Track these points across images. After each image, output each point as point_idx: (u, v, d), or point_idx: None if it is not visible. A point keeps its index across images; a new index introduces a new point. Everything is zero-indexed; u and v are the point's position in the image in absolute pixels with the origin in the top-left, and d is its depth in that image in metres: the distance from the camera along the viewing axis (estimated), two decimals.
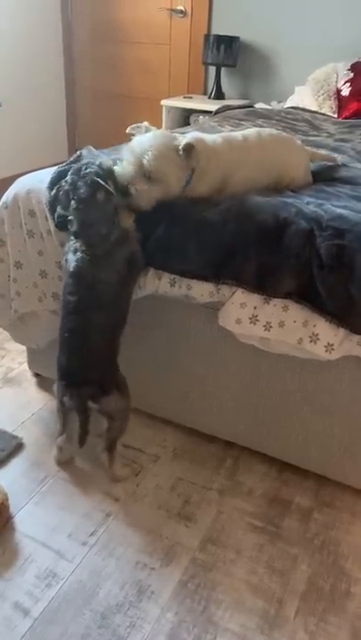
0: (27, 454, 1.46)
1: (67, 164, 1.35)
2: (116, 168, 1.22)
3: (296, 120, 2.39)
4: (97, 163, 1.18)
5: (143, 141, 1.22)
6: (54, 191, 1.29)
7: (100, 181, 1.14)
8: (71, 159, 1.35)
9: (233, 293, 1.21)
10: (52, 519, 1.27)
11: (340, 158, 1.70)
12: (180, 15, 3.33)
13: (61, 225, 1.31)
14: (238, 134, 1.40)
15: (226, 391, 1.41)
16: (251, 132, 1.43)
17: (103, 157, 1.22)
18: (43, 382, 1.73)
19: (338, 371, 1.24)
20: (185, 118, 3.30)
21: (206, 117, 2.78)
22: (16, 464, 1.42)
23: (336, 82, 2.75)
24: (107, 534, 1.24)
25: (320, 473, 1.39)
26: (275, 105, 3.00)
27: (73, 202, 1.18)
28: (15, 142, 3.45)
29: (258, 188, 1.33)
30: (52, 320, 1.43)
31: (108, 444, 1.33)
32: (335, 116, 2.66)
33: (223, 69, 3.26)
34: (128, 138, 1.33)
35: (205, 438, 1.52)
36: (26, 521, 1.26)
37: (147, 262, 1.26)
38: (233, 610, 1.10)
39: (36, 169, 1.53)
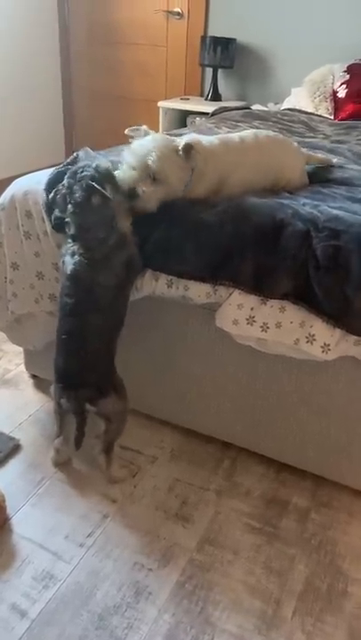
0: (24, 456, 1.46)
1: (63, 166, 1.35)
2: (118, 172, 1.22)
3: (293, 122, 2.40)
4: (94, 165, 1.17)
5: (145, 144, 1.22)
6: (52, 194, 1.29)
7: (96, 185, 1.14)
8: (68, 161, 1.35)
9: (230, 294, 1.21)
10: (50, 521, 1.27)
11: (336, 160, 1.70)
12: (177, 17, 3.34)
13: (58, 227, 1.31)
14: (235, 136, 1.40)
15: (223, 392, 1.41)
16: (247, 133, 1.43)
17: (101, 159, 1.22)
18: (40, 384, 1.73)
19: (335, 371, 1.25)
20: (182, 120, 3.31)
21: (203, 119, 2.79)
22: (13, 465, 1.42)
23: (332, 83, 2.76)
24: (104, 535, 1.24)
25: (317, 473, 1.40)
26: (271, 106, 3.01)
27: (70, 206, 1.18)
28: (12, 143, 3.45)
29: (254, 190, 1.34)
30: (49, 321, 1.43)
31: (105, 445, 1.33)
32: (331, 117, 2.67)
33: (220, 71, 3.26)
34: (125, 139, 1.33)
35: (203, 439, 1.52)
36: (23, 522, 1.26)
37: (144, 264, 1.26)
38: (230, 610, 1.10)
39: (33, 170, 1.53)
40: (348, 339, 1.16)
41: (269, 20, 3.11)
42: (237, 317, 1.21)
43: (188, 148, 1.22)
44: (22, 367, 1.77)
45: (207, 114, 2.90)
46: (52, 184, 1.32)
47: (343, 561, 1.22)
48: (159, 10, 3.35)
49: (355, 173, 1.59)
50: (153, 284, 1.28)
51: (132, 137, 1.30)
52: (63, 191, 1.20)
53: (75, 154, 1.30)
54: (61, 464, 1.42)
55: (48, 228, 1.35)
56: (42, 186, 1.36)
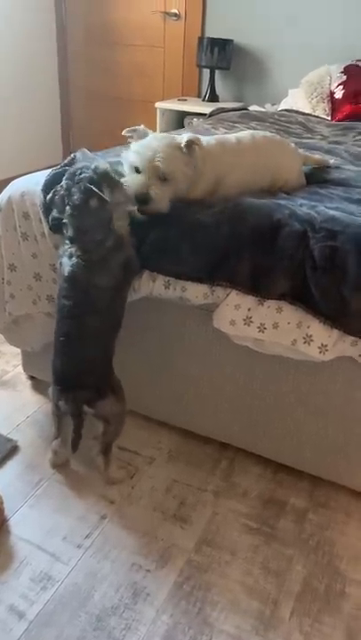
0: (22, 457, 1.45)
1: (61, 167, 1.35)
2: (125, 179, 1.22)
3: (290, 122, 2.40)
4: (92, 167, 1.16)
5: (148, 144, 1.22)
6: (50, 195, 1.29)
7: (94, 188, 1.13)
8: (65, 162, 1.35)
9: (227, 295, 1.21)
10: (47, 522, 1.27)
11: (333, 161, 1.71)
12: (174, 18, 3.34)
13: (56, 228, 1.31)
14: (232, 137, 1.41)
15: (220, 393, 1.41)
16: (245, 134, 1.43)
17: (99, 161, 1.21)
18: (37, 385, 1.72)
19: (332, 371, 1.25)
20: (179, 121, 3.31)
21: (200, 120, 2.79)
22: (11, 467, 1.42)
23: (330, 84, 2.77)
24: (102, 537, 1.24)
25: (315, 474, 1.40)
26: (268, 107, 3.01)
27: (68, 208, 1.17)
28: (9, 144, 3.44)
29: (252, 191, 1.34)
30: (47, 322, 1.43)
31: (103, 447, 1.33)
32: (329, 118, 2.68)
33: (217, 72, 3.27)
34: (123, 140, 1.33)
35: (200, 440, 1.52)
36: (21, 524, 1.26)
37: (141, 265, 1.26)
38: (228, 611, 1.10)
39: (31, 171, 1.53)
40: (345, 339, 1.16)
41: (267, 21, 3.11)
42: (235, 318, 1.21)
43: (191, 143, 1.23)
44: (20, 368, 1.77)
45: (204, 115, 2.90)
46: (49, 185, 1.32)
47: (341, 561, 1.22)
48: (156, 10, 3.35)
49: (352, 174, 1.59)
50: (150, 285, 1.28)
51: (130, 138, 1.30)
52: (61, 192, 1.19)
53: (72, 155, 1.30)
54: (59, 465, 1.42)
55: (45, 229, 1.35)
56: (39, 187, 1.36)
